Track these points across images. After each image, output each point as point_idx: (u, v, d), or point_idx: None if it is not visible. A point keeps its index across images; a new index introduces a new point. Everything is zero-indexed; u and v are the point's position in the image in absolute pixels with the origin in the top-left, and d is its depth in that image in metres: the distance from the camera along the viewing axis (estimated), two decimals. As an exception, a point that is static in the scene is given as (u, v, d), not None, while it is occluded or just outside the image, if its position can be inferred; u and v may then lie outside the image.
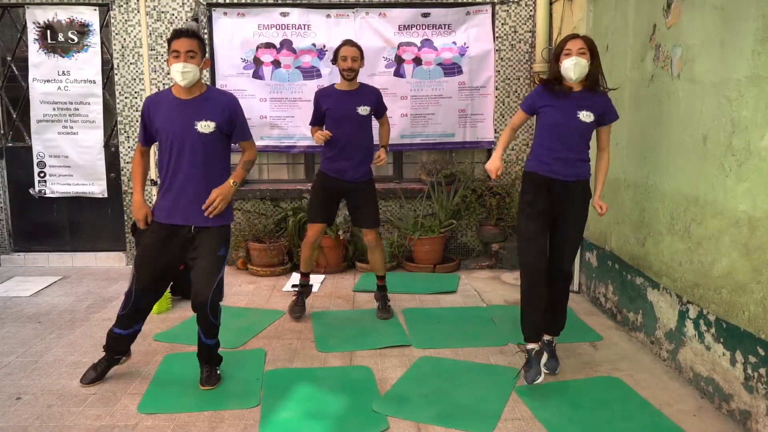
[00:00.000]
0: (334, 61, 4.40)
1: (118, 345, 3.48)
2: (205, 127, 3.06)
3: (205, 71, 6.02)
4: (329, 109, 4.38)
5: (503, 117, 6.29)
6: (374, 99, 4.46)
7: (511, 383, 3.50)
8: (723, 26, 3.19)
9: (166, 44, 5.93)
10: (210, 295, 3.22)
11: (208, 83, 3.52)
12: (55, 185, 6.22)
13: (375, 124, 4.61)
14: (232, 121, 3.23)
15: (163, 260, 3.23)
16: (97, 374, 3.48)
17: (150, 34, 5.90)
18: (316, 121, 4.52)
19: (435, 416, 3.14)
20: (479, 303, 4.99)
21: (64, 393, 3.43)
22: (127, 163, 6.19)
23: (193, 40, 3.17)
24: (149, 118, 3.23)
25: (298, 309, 4.58)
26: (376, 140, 4.59)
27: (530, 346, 3.53)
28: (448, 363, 3.79)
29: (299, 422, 3.07)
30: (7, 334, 4.31)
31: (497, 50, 6.14)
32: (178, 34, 3.18)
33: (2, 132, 6.24)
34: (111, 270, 6.06)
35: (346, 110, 4.36)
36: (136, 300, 3.29)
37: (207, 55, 5.96)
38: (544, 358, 3.59)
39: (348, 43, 4.35)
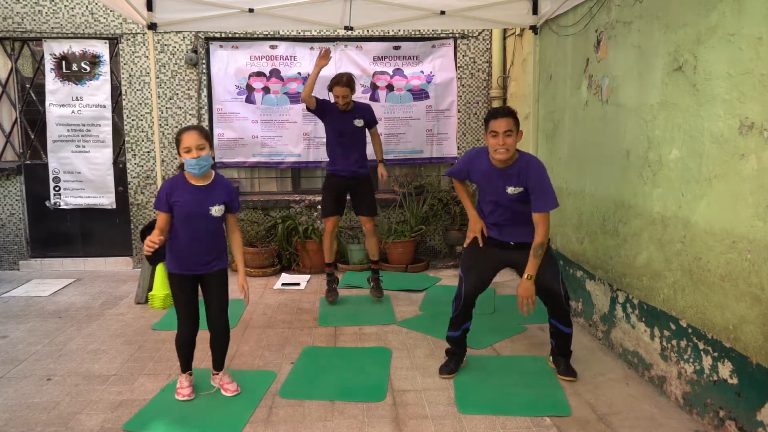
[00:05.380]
0: (330, 89, 4.79)
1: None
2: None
3: (203, 95, 6.24)
4: (329, 121, 4.87)
5: (465, 136, 6.52)
6: (366, 113, 4.93)
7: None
8: (640, 61, 3.47)
9: (168, 78, 6.12)
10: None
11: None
12: (69, 198, 6.29)
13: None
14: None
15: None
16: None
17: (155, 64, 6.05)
18: (317, 101, 4.83)
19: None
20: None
21: (89, 375, 3.57)
22: (134, 177, 6.30)
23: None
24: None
25: (331, 295, 5.00)
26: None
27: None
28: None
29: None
30: (32, 328, 4.43)
31: (459, 78, 6.41)
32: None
33: (21, 151, 6.32)
34: (119, 273, 6.14)
35: (343, 126, 4.84)
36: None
37: (205, 92, 6.07)
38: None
39: (338, 83, 4.70)
